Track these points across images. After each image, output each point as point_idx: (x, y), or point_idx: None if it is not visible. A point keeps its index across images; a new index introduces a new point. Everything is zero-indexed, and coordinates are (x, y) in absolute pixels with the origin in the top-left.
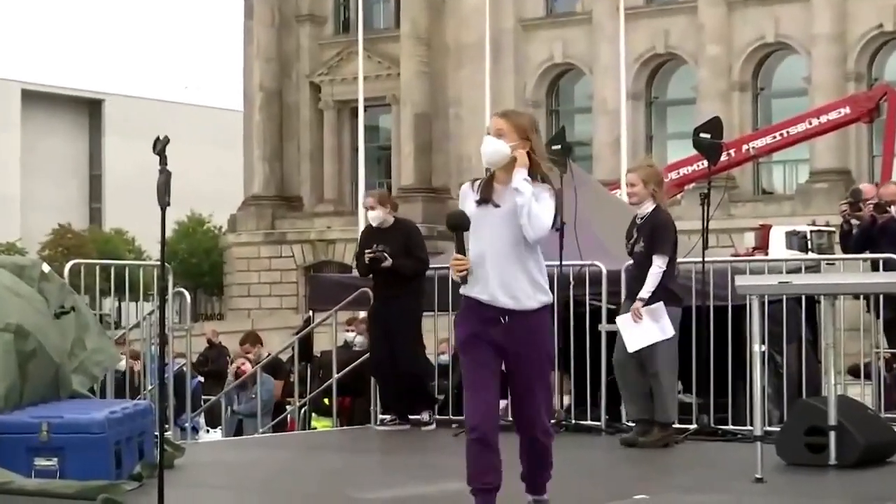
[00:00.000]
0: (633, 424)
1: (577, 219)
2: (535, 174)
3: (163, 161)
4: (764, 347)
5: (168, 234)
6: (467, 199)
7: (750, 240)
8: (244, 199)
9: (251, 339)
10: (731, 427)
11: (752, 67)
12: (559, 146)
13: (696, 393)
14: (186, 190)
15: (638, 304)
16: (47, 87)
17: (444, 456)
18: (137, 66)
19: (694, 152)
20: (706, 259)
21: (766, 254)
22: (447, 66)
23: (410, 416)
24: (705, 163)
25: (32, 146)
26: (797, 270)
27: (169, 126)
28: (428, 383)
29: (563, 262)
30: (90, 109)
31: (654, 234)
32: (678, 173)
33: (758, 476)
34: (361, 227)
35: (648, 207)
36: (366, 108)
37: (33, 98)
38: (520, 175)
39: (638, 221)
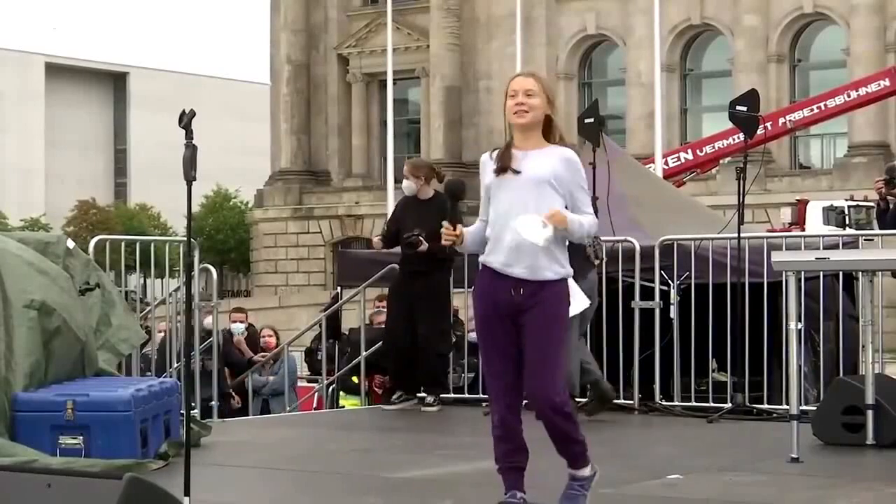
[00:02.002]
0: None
1: (609, 194)
2: (554, 138)
3: (189, 135)
4: (800, 325)
5: (194, 209)
6: (486, 169)
7: (787, 215)
8: (271, 174)
9: None
10: (766, 406)
11: (790, 38)
12: (592, 119)
13: (732, 371)
14: (212, 164)
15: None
16: (71, 60)
17: (476, 435)
18: (162, 39)
19: (730, 125)
20: (742, 235)
21: (803, 229)
22: (477, 38)
23: (417, 394)
24: (741, 136)
25: (56, 120)
26: (835, 246)
27: (194, 99)
28: (446, 368)
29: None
30: (115, 83)
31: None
32: (714, 147)
33: (794, 456)
34: (391, 201)
35: None
36: (395, 80)
37: (57, 71)
38: (570, 222)
39: None
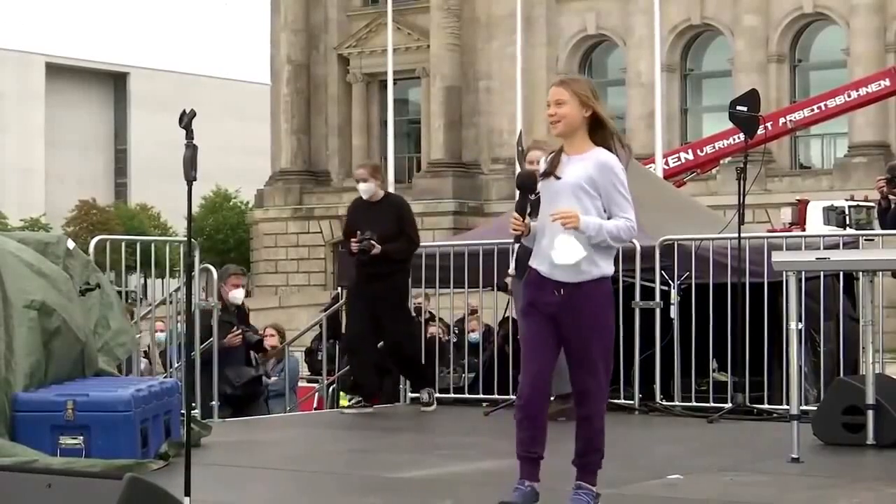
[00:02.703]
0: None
1: None
2: (605, 139)
3: (189, 135)
4: (801, 325)
5: (194, 209)
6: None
7: (787, 215)
8: (271, 174)
9: None
10: (766, 406)
11: (790, 39)
12: None
13: (732, 371)
14: (212, 165)
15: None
16: (71, 60)
17: (475, 435)
18: (162, 39)
19: (730, 125)
20: (742, 235)
21: (804, 229)
22: (478, 38)
23: (411, 395)
24: (742, 136)
25: (57, 120)
26: (835, 246)
27: (195, 99)
28: (423, 362)
29: None
30: (115, 83)
31: None
32: (714, 147)
33: (794, 456)
34: None
35: None
36: (395, 80)
37: (57, 71)
38: (584, 224)
39: (531, 198)
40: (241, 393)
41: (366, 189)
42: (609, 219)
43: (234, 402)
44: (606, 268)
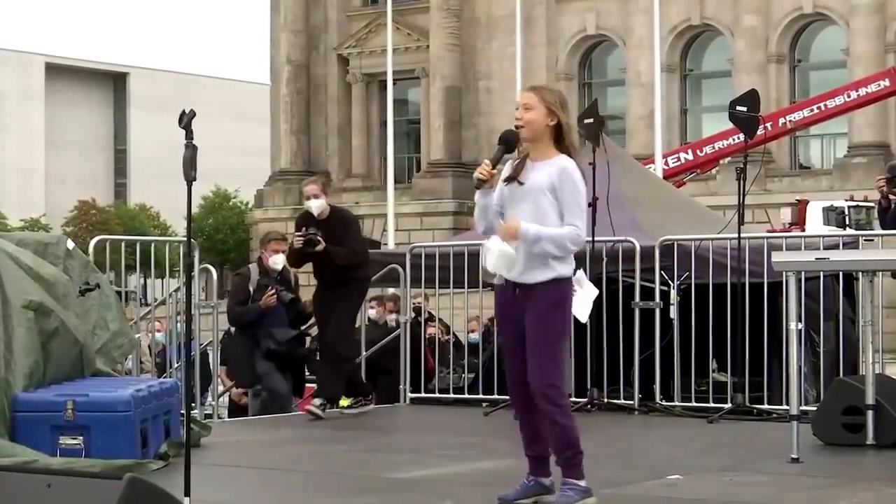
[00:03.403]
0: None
1: (609, 194)
2: (567, 151)
3: (189, 135)
4: (801, 325)
5: (194, 209)
6: (505, 175)
7: (786, 215)
8: (271, 174)
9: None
10: (766, 406)
11: (790, 39)
12: (592, 120)
13: (732, 372)
14: (212, 165)
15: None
16: (71, 60)
17: (476, 435)
18: (162, 39)
19: (729, 126)
20: (742, 235)
21: (803, 230)
22: (477, 38)
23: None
24: (741, 137)
25: (56, 120)
26: (835, 246)
27: (194, 100)
28: (345, 371)
29: (596, 238)
30: (115, 83)
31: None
32: (714, 147)
33: (794, 456)
34: (391, 202)
35: None
36: (395, 81)
37: (57, 72)
38: (522, 233)
39: None
40: (283, 350)
41: (318, 206)
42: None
43: (276, 357)
44: (562, 269)
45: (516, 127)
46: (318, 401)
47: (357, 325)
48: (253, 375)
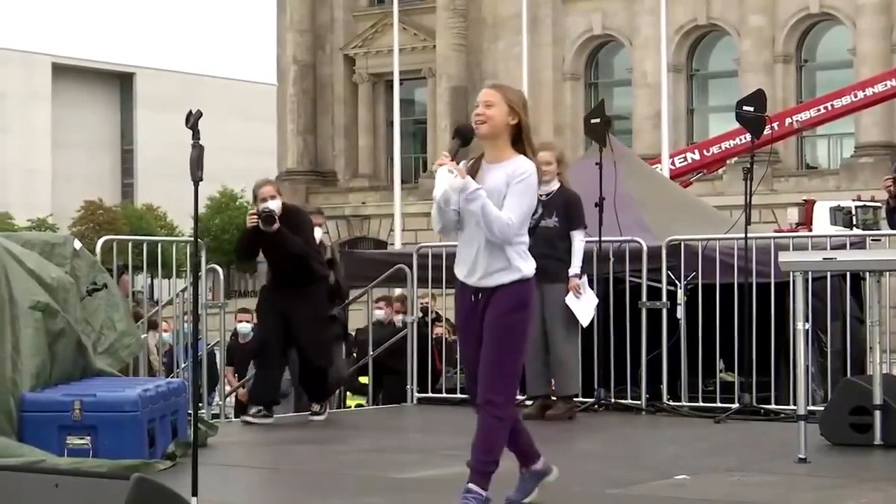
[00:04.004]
0: (531, 402)
1: (616, 194)
2: (523, 152)
3: (196, 135)
4: (808, 325)
5: (200, 209)
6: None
7: (793, 215)
8: (277, 175)
9: None
10: (773, 406)
11: (796, 39)
12: (598, 120)
13: (739, 372)
14: (219, 165)
15: (576, 280)
16: (78, 60)
17: None
18: (169, 39)
19: (736, 126)
20: (749, 235)
21: (810, 230)
22: (484, 38)
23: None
24: (748, 137)
25: (63, 120)
26: (842, 246)
27: (201, 100)
28: (329, 379)
29: (602, 239)
30: (121, 83)
31: (571, 211)
32: (720, 147)
33: (801, 456)
34: (397, 202)
35: (554, 186)
36: (401, 81)
37: (64, 72)
38: (469, 184)
39: (543, 198)
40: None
41: (277, 206)
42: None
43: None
44: (525, 269)
45: (476, 123)
46: (317, 407)
47: (363, 326)
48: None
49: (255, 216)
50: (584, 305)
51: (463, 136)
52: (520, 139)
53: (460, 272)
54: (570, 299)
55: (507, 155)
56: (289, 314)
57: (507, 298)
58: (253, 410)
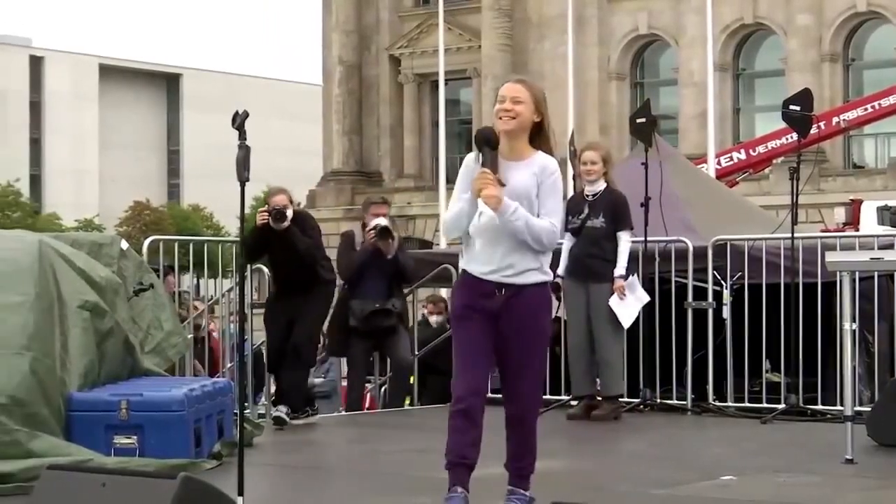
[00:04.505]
0: (577, 402)
1: (662, 194)
2: (545, 150)
3: (242, 136)
4: (855, 325)
5: (246, 210)
6: (471, 173)
7: (840, 215)
8: (323, 175)
9: None
10: (820, 407)
11: (843, 37)
12: (644, 119)
13: (785, 372)
14: (264, 165)
15: (621, 281)
16: (125, 61)
17: None
18: (215, 40)
19: (783, 125)
20: (795, 235)
21: (857, 229)
22: (529, 38)
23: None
24: (795, 136)
25: (110, 121)
26: (889, 246)
27: (247, 100)
28: (307, 378)
29: (648, 239)
30: (168, 84)
31: (618, 211)
32: (767, 147)
33: (848, 457)
34: (443, 202)
35: (601, 186)
36: (446, 81)
37: (111, 73)
38: (504, 205)
39: (589, 198)
40: (363, 327)
41: (290, 216)
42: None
43: (357, 334)
44: (549, 272)
45: (501, 117)
46: (284, 408)
47: (410, 325)
48: (343, 349)
49: (266, 213)
50: (627, 307)
51: (488, 143)
52: (537, 136)
53: (478, 269)
54: (613, 301)
55: (528, 152)
56: (293, 317)
57: (536, 300)
58: (283, 409)
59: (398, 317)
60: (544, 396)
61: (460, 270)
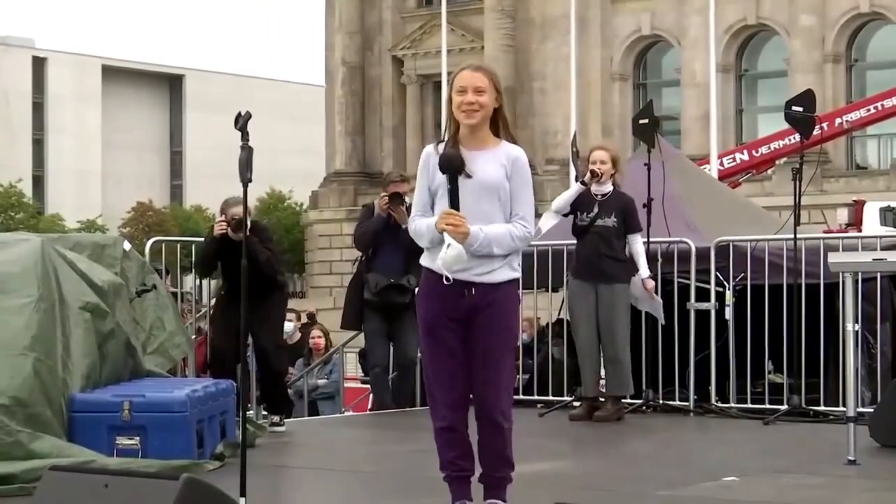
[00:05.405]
0: (579, 403)
1: (664, 195)
2: (506, 135)
3: (245, 137)
4: (857, 326)
5: (249, 210)
6: (432, 165)
7: (843, 216)
8: (326, 176)
9: None
10: (822, 408)
11: (846, 38)
12: (647, 120)
13: (788, 373)
14: (267, 166)
15: (650, 281)
16: (128, 62)
17: (532, 436)
18: (218, 41)
19: (785, 126)
20: (798, 236)
21: (860, 230)
22: (532, 39)
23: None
24: (797, 137)
25: (113, 122)
26: (892, 247)
27: (249, 101)
28: (285, 384)
29: (651, 240)
30: (171, 85)
31: (629, 212)
32: (769, 148)
33: (850, 458)
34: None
35: (609, 186)
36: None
37: (114, 74)
38: (472, 238)
39: (598, 197)
40: (378, 300)
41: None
42: (511, 214)
43: (372, 307)
44: (518, 269)
45: (465, 111)
46: (277, 418)
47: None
48: (357, 324)
49: (225, 223)
50: (656, 306)
51: (458, 171)
52: (496, 121)
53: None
54: (644, 301)
55: (491, 140)
56: (247, 322)
57: (506, 298)
58: (276, 419)
59: (413, 294)
60: (548, 398)
61: (423, 270)
